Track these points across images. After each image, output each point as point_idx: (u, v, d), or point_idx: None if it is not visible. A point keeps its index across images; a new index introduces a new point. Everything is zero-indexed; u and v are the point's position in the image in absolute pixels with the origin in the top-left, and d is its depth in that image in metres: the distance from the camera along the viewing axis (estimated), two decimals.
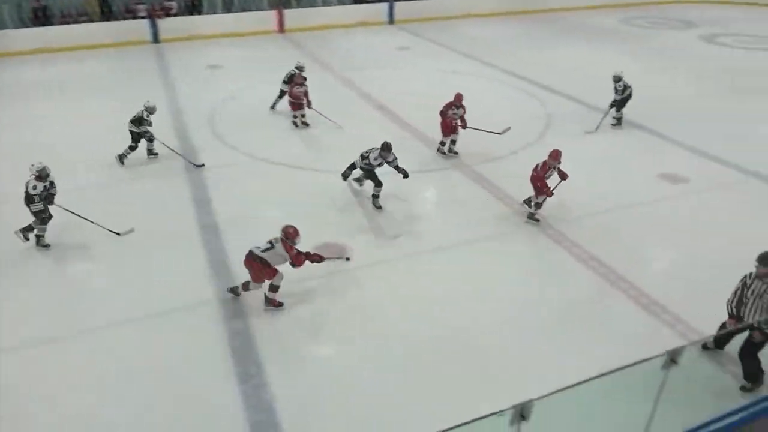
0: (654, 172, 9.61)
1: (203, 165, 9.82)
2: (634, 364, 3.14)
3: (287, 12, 20.58)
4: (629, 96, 11.37)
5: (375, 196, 8.54)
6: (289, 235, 6.23)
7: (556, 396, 2.98)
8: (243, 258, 6.24)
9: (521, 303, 6.47)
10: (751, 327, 5.06)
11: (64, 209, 7.54)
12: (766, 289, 5.10)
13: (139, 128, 9.62)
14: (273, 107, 12.41)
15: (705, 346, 5.51)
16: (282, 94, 12.08)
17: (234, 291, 6.58)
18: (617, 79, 11.29)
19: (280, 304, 6.36)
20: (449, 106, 9.93)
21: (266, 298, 6.42)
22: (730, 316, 5.25)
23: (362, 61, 16.55)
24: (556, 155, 7.88)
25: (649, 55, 17.41)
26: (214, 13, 20.20)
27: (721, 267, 6.44)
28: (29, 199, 7.22)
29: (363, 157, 8.39)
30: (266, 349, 5.76)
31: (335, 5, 21.64)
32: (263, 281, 6.34)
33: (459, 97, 9.92)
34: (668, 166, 9.80)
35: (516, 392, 2.98)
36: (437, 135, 10.25)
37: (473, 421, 2.75)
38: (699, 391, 4.98)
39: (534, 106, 12.86)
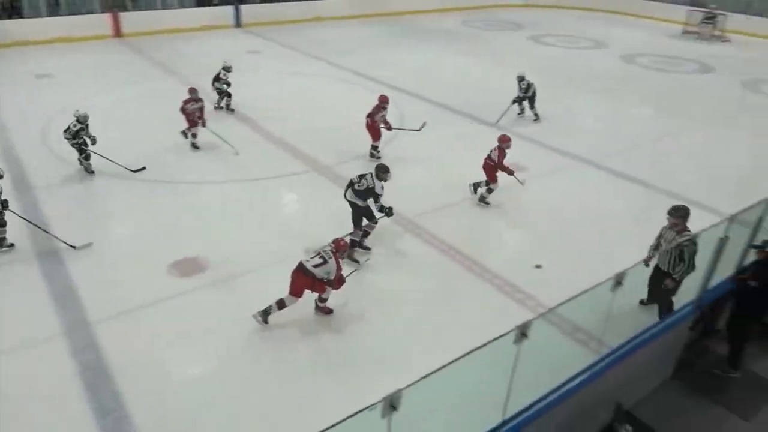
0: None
1: (144, 168, 9.45)
2: (488, 342, 3.36)
3: (123, 15, 19.19)
4: (534, 93, 12.26)
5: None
6: (341, 247, 5.93)
7: (422, 383, 3.10)
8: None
9: (386, 297, 6.65)
10: (663, 273, 5.85)
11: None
12: (674, 237, 5.85)
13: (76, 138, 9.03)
14: (224, 108, 12.24)
15: (642, 302, 6.31)
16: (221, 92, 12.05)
17: (266, 314, 5.94)
18: (520, 78, 12.18)
19: (331, 311, 6.07)
20: (378, 108, 9.88)
21: (317, 306, 6.16)
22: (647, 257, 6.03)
23: (211, 67, 15.92)
24: (507, 139, 8.56)
25: (488, 54, 18.74)
26: (38, 16, 18.24)
27: (561, 243, 7.11)
28: None
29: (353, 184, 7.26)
30: (123, 379, 5.34)
31: (176, 8, 20.57)
32: (301, 296, 5.91)
33: (385, 99, 9.94)
34: (510, 156, 10.58)
35: (386, 385, 3.06)
36: (292, 139, 10.22)
37: (345, 419, 2.77)
38: (551, 359, 5.47)
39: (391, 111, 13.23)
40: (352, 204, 7.35)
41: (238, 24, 21.33)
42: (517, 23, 24.75)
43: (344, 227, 7.51)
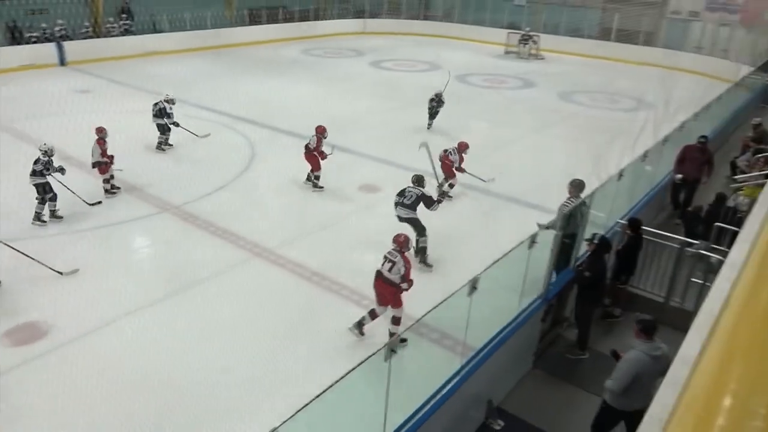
0: (354, 185, 10.54)
1: (100, 202, 9.34)
2: (359, 364, 3.36)
3: None
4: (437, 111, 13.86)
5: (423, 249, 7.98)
6: (402, 243, 6.08)
7: (300, 415, 3.01)
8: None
9: (243, 329, 6.42)
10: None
11: None
12: (566, 205, 6.77)
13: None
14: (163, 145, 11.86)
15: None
16: (161, 128, 11.73)
17: (360, 326, 6.15)
18: (436, 96, 13.74)
19: (404, 340, 5.03)
20: (318, 139, 10.13)
21: (390, 334, 6.09)
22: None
23: (36, 109, 14.48)
24: (465, 146, 9.90)
25: (331, 80, 19.13)
26: None
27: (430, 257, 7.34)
28: None
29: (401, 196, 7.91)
30: None
31: None
32: (388, 306, 6.05)
33: (322, 129, 10.18)
34: (365, 178, 10.86)
35: (262, 421, 2.92)
36: (137, 180, 9.56)
37: None
38: (422, 370, 5.62)
39: (235, 138, 12.97)
40: (406, 220, 7.85)
41: (62, 62, 19.66)
42: (357, 50, 25.62)
43: (199, 266, 7.14)
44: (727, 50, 22.87)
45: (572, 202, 7.10)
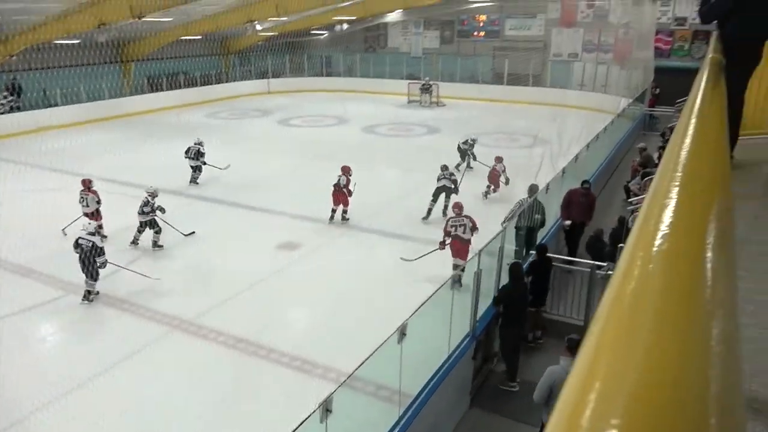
0: (272, 244, 10.39)
1: (193, 233, 10.53)
2: (295, 429, 3.25)
3: None
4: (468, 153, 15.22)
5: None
6: (461, 207, 8.97)
7: None
8: None
9: (167, 410, 6.04)
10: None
11: None
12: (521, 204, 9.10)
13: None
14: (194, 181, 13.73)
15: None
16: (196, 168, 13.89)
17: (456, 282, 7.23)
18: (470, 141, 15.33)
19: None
20: (347, 180, 11.39)
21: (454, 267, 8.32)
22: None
23: None
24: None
25: (240, 141, 19.00)
26: None
27: (347, 308, 7.29)
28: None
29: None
30: None
31: None
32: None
33: (348, 169, 11.53)
34: (283, 236, 10.74)
35: None
36: (40, 264, 8.93)
37: None
38: (360, 426, 5.49)
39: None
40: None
41: None
42: (263, 110, 25.72)
43: (114, 346, 6.69)
44: (606, 86, 25.05)
45: (527, 200, 9.21)
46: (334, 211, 11.45)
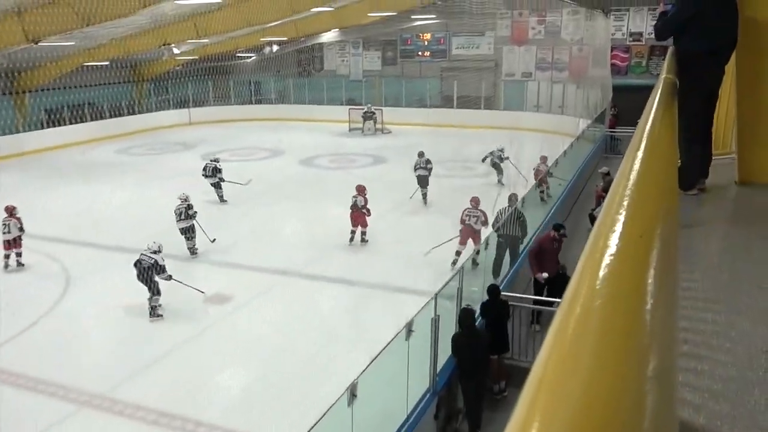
0: (197, 297, 10.16)
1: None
2: None
3: None
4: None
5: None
6: (478, 201, 11.26)
7: None
8: None
9: None
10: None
11: None
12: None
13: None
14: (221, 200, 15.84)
15: None
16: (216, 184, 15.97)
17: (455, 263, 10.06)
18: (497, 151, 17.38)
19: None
20: (365, 200, 12.60)
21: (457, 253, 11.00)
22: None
23: None
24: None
25: (159, 180, 18.60)
26: None
27: (284, 364, 7.16)
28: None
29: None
30: None
31: None
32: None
33: (361, 189, 12.83)
34: (212, 288, 10.53)
35: None
36: None
37: None
38: None
39: (46, 264, 12.01)
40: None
41: None
42: (185, 143, 25.45)
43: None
44: (563, 106, 26.17)
45: (507, 209, 10.68)
46: (353, 232, 12.62)
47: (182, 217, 12.15)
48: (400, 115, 28.49)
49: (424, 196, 15.53)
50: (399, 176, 18.71)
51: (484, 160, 17.78)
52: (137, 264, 9.55)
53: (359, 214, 12.54)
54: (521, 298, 8.59)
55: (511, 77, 29.34)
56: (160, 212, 14.25)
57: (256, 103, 32.81)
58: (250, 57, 31.16)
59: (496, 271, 9.56)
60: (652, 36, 25.26)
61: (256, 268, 11.46)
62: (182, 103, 31.08)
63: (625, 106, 23.00)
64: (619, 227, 0.70)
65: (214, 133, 27.82)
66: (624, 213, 0.79)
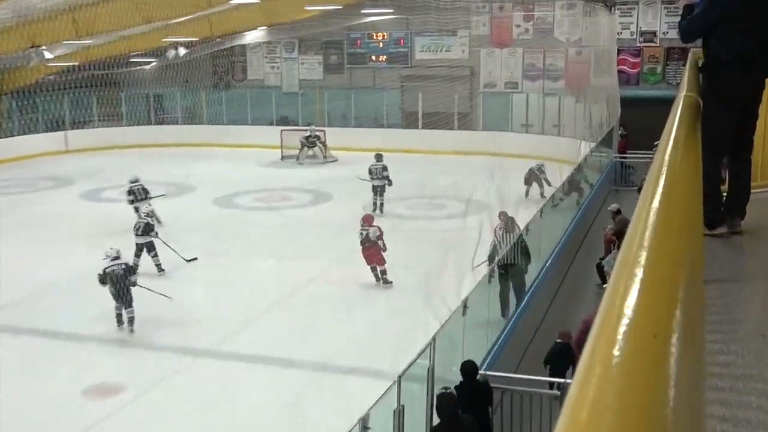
0: (76, 389, 9.86)
1: (196, 258, 14.42)
2: None
3: None
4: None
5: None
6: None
7: None
8: None
9: None
10: None
11: None
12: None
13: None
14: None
15: None
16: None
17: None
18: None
19: None
20: (380, 232, 13.49)
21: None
22: None
23: None
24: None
25: (24, 228, 18.06)
26: None
27: None
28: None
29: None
30: None
31: None
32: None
33: (369, 219, 14.10)
34: (91, 377, 10.22)
35: None
36: None
37: None
38: None
39: None
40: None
41: None
42: (60, 178, 25.03)
43: None
44: (560, 125, 26.70)
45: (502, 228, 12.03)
46: (374, 269, 13.56)
47: (140, 232, 14.44)
48: (349, 137, 28.64)
49: (381, 205, 17.93)
50: (348, 218, 18.66)
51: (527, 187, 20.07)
52: (106, 278, 10.88)
53: (373, 250, 13.42)
54: (511, 378, 8.58)
55: (492, 89, 29.93)
56: (21, 272, 13.83)
57: (156, 124, 32.68)
58: (149, 63, 31.07)
59: (503, 307, 10.71)
60: (668, 35, 26.19)
61: (156, 348, 11.20)
62: (56, 124, 30.68)
63: (637, 124, 23.62)
64: (638, 279, 0.72)
65: (100, 163, 27.40)
66: (643, 263, 0.81)
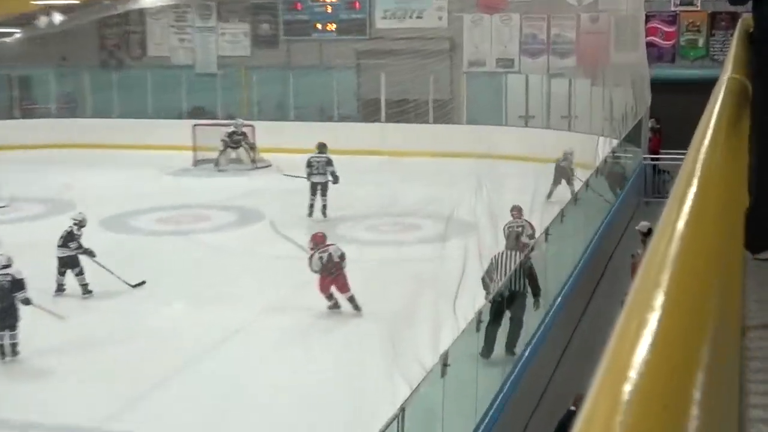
0: None
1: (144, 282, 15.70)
2: None
3: None
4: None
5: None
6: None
7: None
8: None
9: None
10: None
11: None
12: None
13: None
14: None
15: None
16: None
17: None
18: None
19: None
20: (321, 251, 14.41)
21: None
22: None
23: None
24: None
25: None
26: None
27: None
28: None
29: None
30: None
31: None
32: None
33: (320, 238, 14.98)
34: None
35: None
36: None
37: None
38: None
39: None
40: None
41: None
42: None
43: None
44: (570, 116, 26.79)
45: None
46: (329, 297, 14.48)
47: (60, 243, 15.63)
48: (286, 134, 28.40)
49: (323, 207, 18.74)
50: (285, 245, 18.57)
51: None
52: None
53: (333, 273, 14.36)
54: None
55: (480, 67, 29.90)
56: None
57: (22, 117, 32.26)
58: (12, 34, 30.80)
59: (487, 347, 10.44)
60: None
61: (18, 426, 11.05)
62: None
63: (674, 114, 23.75)
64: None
65: None
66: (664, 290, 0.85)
